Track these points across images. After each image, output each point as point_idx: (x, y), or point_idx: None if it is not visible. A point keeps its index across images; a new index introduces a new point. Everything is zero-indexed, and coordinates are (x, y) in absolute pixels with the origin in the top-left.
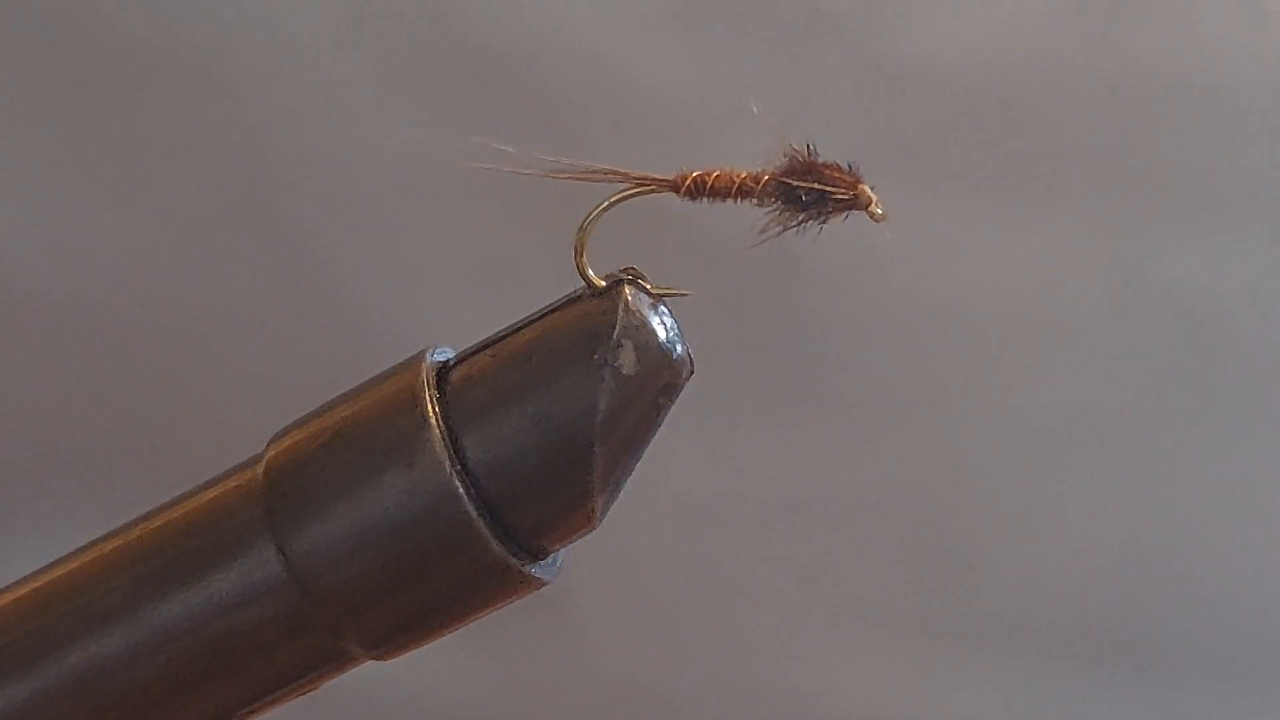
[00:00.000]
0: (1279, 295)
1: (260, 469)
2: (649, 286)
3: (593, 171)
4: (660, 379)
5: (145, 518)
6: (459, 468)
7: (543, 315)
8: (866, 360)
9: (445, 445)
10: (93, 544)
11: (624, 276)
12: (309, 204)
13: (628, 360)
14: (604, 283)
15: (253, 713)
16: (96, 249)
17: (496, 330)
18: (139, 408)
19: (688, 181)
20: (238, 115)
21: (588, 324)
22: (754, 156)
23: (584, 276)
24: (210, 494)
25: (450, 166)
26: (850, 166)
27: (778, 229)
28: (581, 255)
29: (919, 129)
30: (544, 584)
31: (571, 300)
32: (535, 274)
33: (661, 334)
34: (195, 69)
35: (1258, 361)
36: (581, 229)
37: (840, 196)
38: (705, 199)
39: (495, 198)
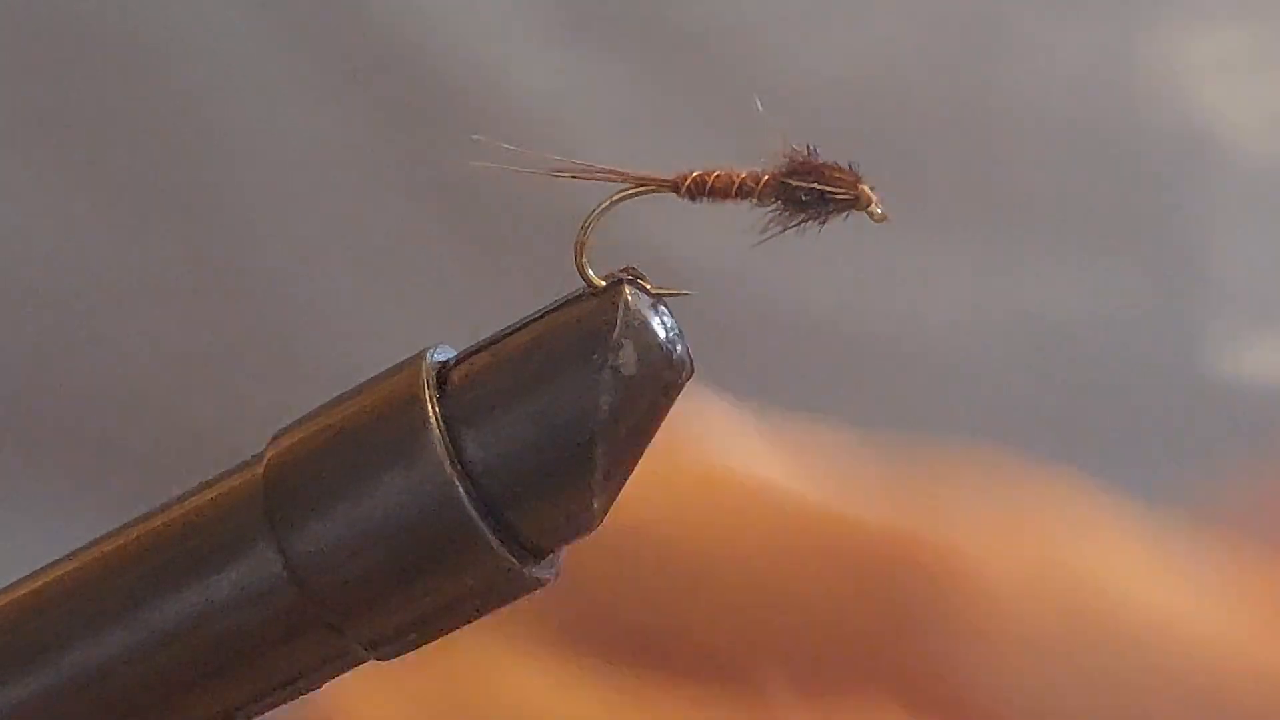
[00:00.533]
0: (1136, 323)
1: (260, 469)
2: (649, 286)
3: (592, 170)
4: (660, 379)
5: (144, 518)
6: (459, 468)
7: (543, 315)
8: (731, 373)
9: (445, 445)
10: (92, 544)
11: (624, 276)
12: (226, 179)
13: (628, 360)
14: (603, 282)
15: (253, 713)
16: (9, 217)
17: (497, 329)
18: (48, 375)
19: (688, 181)
20: (158, 88)
21: (588, 324)
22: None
23: (584, 276)
24: (210, 494)
25: (350, 152)
26: (850, 166)
27: (778, 229)
28: (581, 255)
29: (783, 149)
30: (544, 584)
31: (571, 300)
32: (445, 257)
33: (661, 334)
34: (115, 41)
35: (1113, 388)
36: (583, 229)
37: (840, 196)
38: (705, 199)
39: (406, 184)
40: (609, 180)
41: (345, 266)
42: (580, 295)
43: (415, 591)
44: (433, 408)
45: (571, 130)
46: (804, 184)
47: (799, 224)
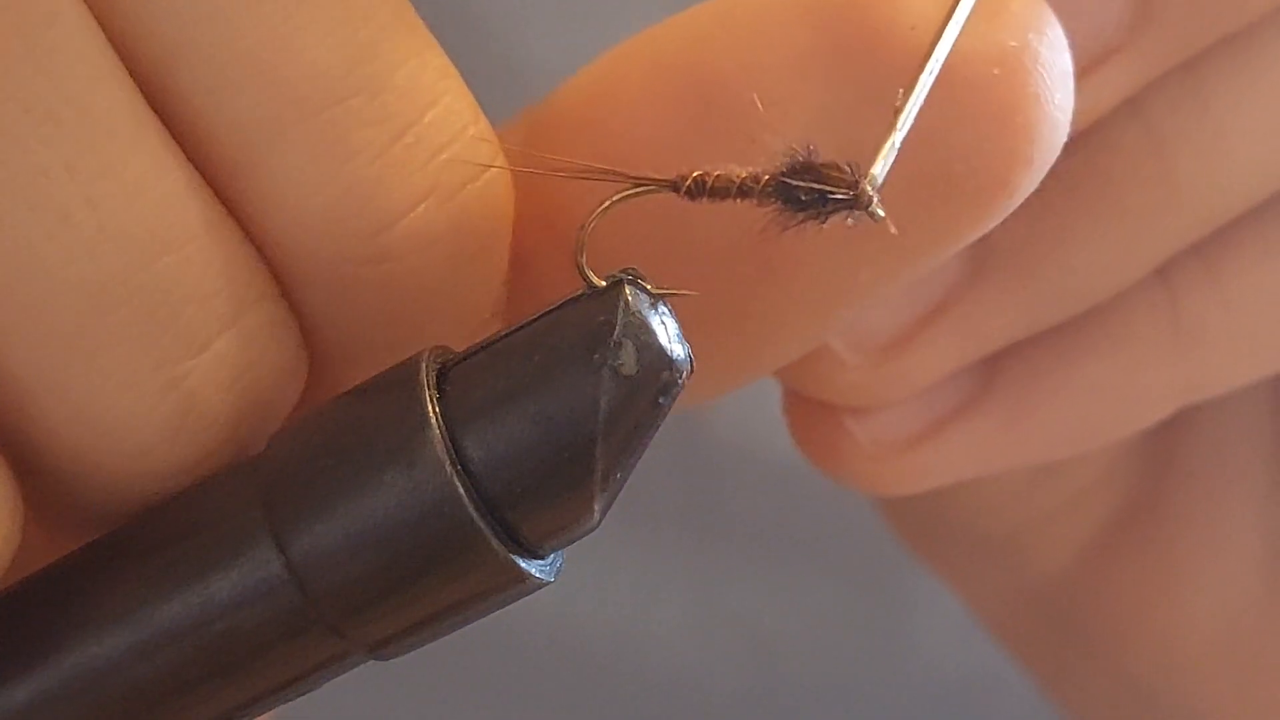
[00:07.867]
0: (835, 634)
1: (260, 469)
2: (649, 286)
3: (591, 170)
4: (660, 379)
5: (145, 518)
6: (459, 468)
7: (543, 315)
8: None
9: (445, 445)
10: (92, 544)
11: (624, 276)
12: None
13: (628, 360)
14: (604, 282)
15: (253, 713)
16: None
17: (497, 330)
18: None
19: (688, 181)
20: None
21: (588, 323)
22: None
23: (584, 276)
24: (210, 494)
25: None
26: (850, 167)
27: (778, 229)
28: (581, 255)
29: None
30: (544, 584)
31: (572, 300)
32: None
33: (661, 334)
34: None
35: (825, 687)
36: (582, 228)
37: (840, 196)
38: (704, 199)
39: None
40: (607, 179)
41: None
42: (580, 295)
43: (415, 592)
44: (433, 408)
45: None
46: (804, 183)
47: (799, 224)
